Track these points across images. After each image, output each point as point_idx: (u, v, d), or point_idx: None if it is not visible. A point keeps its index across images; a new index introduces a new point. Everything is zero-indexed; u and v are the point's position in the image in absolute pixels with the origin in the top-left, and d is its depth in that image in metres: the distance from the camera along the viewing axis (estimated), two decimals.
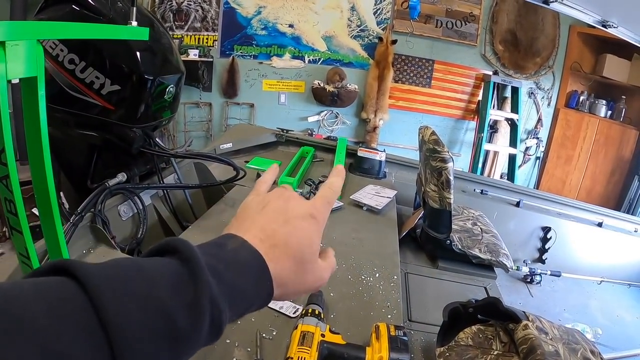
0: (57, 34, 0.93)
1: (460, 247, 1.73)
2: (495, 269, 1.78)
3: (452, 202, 1.64)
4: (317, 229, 0.44)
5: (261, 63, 4.50)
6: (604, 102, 4.42)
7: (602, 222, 2.48)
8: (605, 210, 2.59)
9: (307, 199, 0.48)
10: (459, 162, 4.68)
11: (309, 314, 0.90)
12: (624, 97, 4.36)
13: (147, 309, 0.28)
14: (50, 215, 0.80)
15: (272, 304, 1.02)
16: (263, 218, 0.42)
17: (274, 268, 0.38)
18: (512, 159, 4.59)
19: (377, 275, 1.27)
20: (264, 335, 0.93)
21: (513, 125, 4.55)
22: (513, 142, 4.56)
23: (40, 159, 0.75)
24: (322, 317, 0.91)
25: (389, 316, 1.09)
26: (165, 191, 1.65)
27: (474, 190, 2.47)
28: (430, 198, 1.69)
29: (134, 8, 1.09)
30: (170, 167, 1.70)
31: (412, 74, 4.56)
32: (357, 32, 4.46)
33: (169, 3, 4.22)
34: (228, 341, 0.89)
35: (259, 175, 1.85)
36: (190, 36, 4.35)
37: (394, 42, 4.32)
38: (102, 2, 1.28)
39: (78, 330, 0.25)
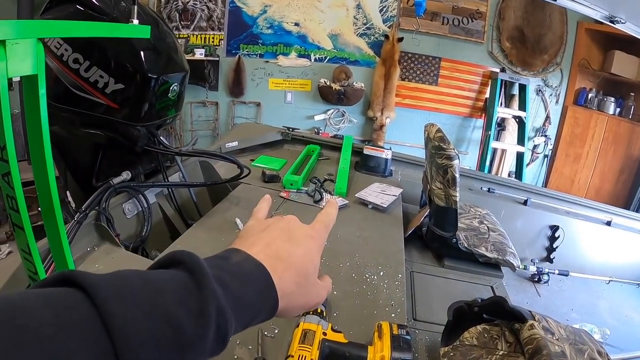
0: (57, 33, 0.93)
1: (466, 245, 1.72)
2: (502, 268, 1.76)
3: (458, 200, 1.63)
4: (318, 248, 0.47)
5: (267, 62, 4.50)
6: (612, 99, 4.36)
7: (611, 221, 2.45)
8: (614, 208, 2.55)
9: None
10: (467, 160, 4.65)
11: (311, 312, 0.89)
12: (632, 94, 4.30)
13: (153, 317, 0.28)
14: (52, 213, 0.81)
15: None
16: (268, 235, 0.45)
17: (278, 280, 0.39)
18: (519, 157, 4.55)
19: (381, 273, 1.26)
20: (265, 333, 0.93)
21: (521, 123, 4.51)
22: (521, 140, 4.53)
23: (42, 157, 0.75)
24: (325, 315, 0.91)
25: (393, 315, 1.08)
26: (170, 189, 1.65)
27: (481, 188, 2.45)
28: (436, 196, 1.68)
29: (135, 7, 1.09)
30: (175, 165, 1.71)
31: (418, 72, 4.54)
32: (363, 30, 4.45)
33: (174, 3, 4.24)
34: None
35: (264, 174, 1.85)
36: (196, 35, 4.37)
37: (400, 39, 4.30)
38: (106, 1, 1.29)
39: (84, 339, 0.25)
